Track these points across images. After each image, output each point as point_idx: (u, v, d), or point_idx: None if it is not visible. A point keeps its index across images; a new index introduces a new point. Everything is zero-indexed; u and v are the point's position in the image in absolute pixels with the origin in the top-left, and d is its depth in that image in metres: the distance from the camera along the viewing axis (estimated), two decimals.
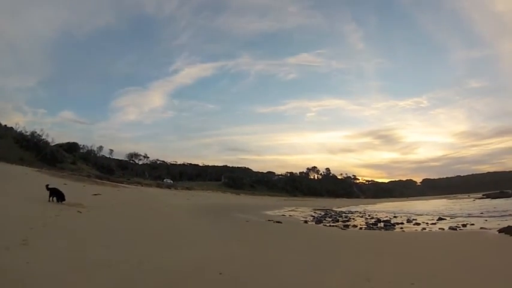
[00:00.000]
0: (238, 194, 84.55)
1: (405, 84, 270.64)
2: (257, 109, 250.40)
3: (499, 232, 12.69)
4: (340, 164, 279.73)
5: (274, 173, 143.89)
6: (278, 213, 29.71)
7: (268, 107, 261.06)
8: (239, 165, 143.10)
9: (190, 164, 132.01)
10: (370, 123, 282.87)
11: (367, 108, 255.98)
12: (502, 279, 6.27)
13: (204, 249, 8.75)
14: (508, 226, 13.19)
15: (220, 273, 6.16)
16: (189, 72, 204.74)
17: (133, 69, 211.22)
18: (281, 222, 18.78)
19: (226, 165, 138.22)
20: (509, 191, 62.22)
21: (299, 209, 40.08)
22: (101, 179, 50.03)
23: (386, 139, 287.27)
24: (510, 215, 22.13)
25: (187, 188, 74.85)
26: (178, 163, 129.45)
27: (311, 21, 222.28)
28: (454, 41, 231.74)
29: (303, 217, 27.05)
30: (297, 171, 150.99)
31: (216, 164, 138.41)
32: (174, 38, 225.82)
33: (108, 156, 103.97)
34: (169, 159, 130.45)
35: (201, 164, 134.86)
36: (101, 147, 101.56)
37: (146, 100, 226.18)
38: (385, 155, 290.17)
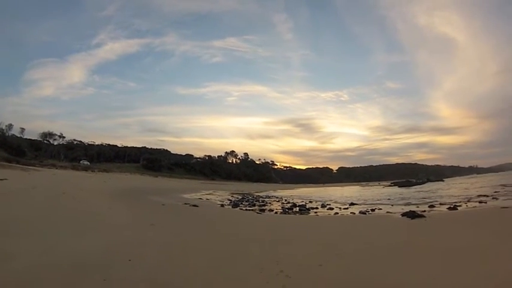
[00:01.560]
0: (156, 177, 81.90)
1: (328, 78, 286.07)
2: (179, 90, 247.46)
3: (402, 216, 13.38)
4: (259, 149, 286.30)
5: (193, 155, 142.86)
6: (195, 197, 28.89)
7: (190, 89, 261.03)
8: (158, 147, 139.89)
9: (109, 144, 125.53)
10: (291, 111, 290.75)
11: (289, 96, 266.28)
12: (401, 256, 6.73)
13: (115, 235, 8.03)
14: (410, 211, 14.15)
15: (130, 260, 5.84)
16: (113, 47, 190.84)
17: (52, 37, 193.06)
18: (197, 206, 18.10)
19: (145, 147, 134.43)
20: (414, 180, 68.53)
21: (216, 193, 39.79)
22: (10, 162, 45.60)
23: (306, 128, 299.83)
24: (412, 202, 23.74)
25: (105, 170, 71.64)
26: (96, 143, 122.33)
27: (243, 7, 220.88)
28: (378, 44, 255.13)
29: (220, 201, 26.73)
30: (215, 154, 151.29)
31: (135, 145, 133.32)
32: (100, 8, 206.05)
33: (18, 135, 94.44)
34: (87, 140, 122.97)
35: (119, 145, 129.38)
36: (10, 126, 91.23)
37: (64, 74, 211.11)
38: (304, 143, 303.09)
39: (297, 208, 20.81)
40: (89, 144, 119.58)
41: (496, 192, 25.17)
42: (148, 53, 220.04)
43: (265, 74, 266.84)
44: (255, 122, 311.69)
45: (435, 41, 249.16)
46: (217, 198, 29.62)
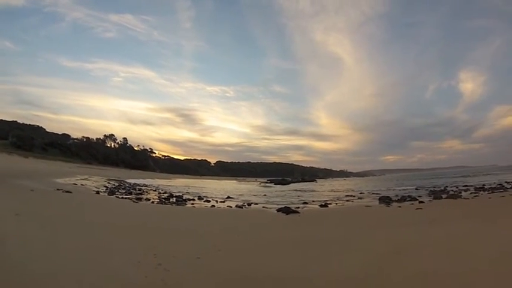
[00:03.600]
0: (27, 157, 72.09)
1: (217, 72, 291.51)
2: (63, 61, 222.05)
3: (277, 211, 14.73)
4: (139, 135, 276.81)
5: (69, 136, 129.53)
6: (69, 182, 26.55)
7: (76, 62, 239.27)
8: (31, 123, 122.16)
9: None
10: (175, 100, 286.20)
11: (175, 85, 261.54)
12: (276, 248, 7.13)
13: None
14: (285, 206, 15.68)
15: None
16: None
17: None
18: (71, 192, 16.88)
19: (16, 121, 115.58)
20: (289, 179, 73.16)
21: (93, 178, 37.45)
22: None
23: (188, 118, 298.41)
24: (287, 199, 26.03)
25: None
26: None
27: None
28: (272, 49, 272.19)
29: (96, 187, 25.25)
30: (94, 136, 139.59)
31: (4, 119, 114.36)
32: None
33: None
34: None
35: None
36: None
37: None
38: (184, 134, 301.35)
39: (174, 199, 20.82)
40: None
41: (361, 193, 28.60)
42: (35, 12, 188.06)
43: (156, 58, 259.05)
44: (138, 107, 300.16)
45: (325, 58, 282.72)
46: (92, 184, 27.83)
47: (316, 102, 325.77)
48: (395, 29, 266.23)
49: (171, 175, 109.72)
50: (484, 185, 28.29)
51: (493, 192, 21.04)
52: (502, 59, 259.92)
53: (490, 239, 6.65)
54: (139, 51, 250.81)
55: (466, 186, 29.56)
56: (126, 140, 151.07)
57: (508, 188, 23.05)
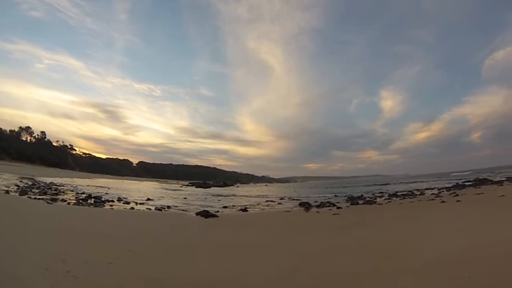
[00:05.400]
0: None
1: (146, 70, 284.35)
2: None
3: (196, 214, 15.48)
4: (59, 129, 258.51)
5: None
6: None
7: None
8: None
9: None
10: (100, 95, 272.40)
11: (102, 79, 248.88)
12: (192, 253, 7.39)
13: None
14: (204, 210, 16.41)
15: None
16: None
17: None
18: None
19: None
20: (211, 182, 73.92)
21: (3, 176, 35.08)
22: None
23: (112, 115, 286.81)
24: (207, 203, 27.09)
25: None
26: None
27: None
28: (205, 51, 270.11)
29: (6, 186, 23.75)
30: (7, 128, 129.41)
31: None
32: None
33: None
34: None
35: None
36: None
37: None
38: (107, 131, 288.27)
39: (92, 200, 20.33)
40: None
41: (281, 199, 30.04)
42: None
43: (85, 48, 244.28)
44: (60, 99, 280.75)
45: (256, 65, 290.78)
46: (2, 183, 26.03)
47: (242, 108, 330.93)
48: (326, 45, 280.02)
49: (91, 174, 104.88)
50: (396, 192, 32.09)
51: (404, 198, 23.69)
52: (418, 83, 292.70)
53: (398, 239, 7.70)
54: (68, 37, 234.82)
55: (381, 193, 32.95)
56: (45, 134, 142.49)
57: (417, 195, 25.93)
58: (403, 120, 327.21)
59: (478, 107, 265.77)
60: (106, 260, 5.90)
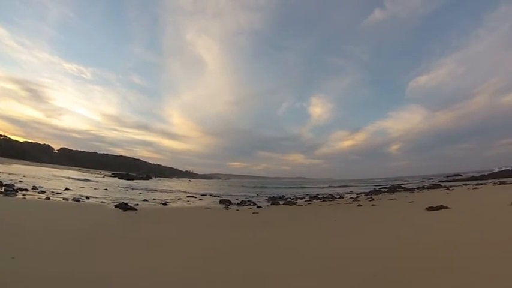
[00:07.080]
0: None
1: (78, 49, 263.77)
2: None
3: (115, 207, 15.26)
4: None
5: None
6: None
7: None
8: None
9: None
10: (24, 70, 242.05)
11: (29, 52, 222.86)
12: (102, 245, 7.10)
13: None
14: (123, 203, 16.17)
15: None
16: None
17: None
18: None
19: None
20: (135, 174, 72.40)
21: None
22: None
23: (35, 94, 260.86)
24: (127, 195, 26.39)
25: None
26: None
27: None
28: (141, 37, 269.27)
29: None
30: None
31: None
32: None
33: None
34: None
35: None
36: None
37: None
38: (27, 111, 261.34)
39: (3, 188, 18.91)
40: None
41: (203, 195, 30.25)
42: None
43: (12, 14, 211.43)
44: None
45: (190, 58, 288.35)
46: None
47: (172, 100, 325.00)
48: (264, 47, 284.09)
49: (4, 159, 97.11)
50: (318, 194, 34.06)
51: (323, 201, 25.04)
52: (348, 94, 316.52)
53: (308, 239, 8.12)
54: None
55: (304, 194, 34.70)
56: None
57: (336, 198, 27.71)
58: (330, 127, 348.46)
59: (399, 122, 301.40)
60: (9, 254, 5.42)
